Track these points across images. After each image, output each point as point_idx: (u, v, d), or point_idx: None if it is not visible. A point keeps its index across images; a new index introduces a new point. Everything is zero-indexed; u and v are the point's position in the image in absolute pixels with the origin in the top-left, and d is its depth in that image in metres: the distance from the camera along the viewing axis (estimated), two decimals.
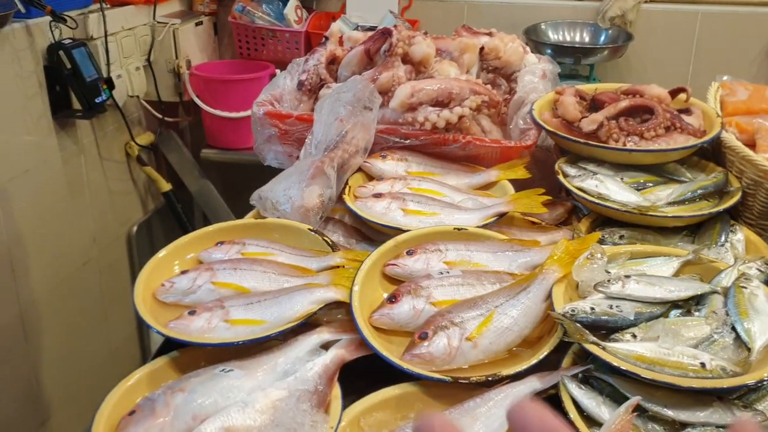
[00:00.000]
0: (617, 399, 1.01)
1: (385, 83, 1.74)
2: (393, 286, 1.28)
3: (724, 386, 0.96)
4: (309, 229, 1.41)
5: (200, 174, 3.16)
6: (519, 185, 1.58)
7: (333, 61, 1.95)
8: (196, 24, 3.15)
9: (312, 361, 1.09)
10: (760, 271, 1.24)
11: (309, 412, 1.00)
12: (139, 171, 2.98)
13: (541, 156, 1.78)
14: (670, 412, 0.98)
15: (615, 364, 1.00)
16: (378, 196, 1.48)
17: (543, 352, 1.10)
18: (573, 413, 1.00)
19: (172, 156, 3.12)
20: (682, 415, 0.97)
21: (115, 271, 2.86)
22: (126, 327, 2.93)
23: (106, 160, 2.76)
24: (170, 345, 1.16)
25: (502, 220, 1.48)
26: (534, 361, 1.09)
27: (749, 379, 0.96)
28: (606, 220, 1.45)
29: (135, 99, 2.88)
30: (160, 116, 3.00)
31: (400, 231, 1.38)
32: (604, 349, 1.03)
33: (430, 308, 1.19)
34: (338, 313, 1.23)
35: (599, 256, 1.21)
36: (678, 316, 1.12)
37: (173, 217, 3.07)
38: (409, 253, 1.31)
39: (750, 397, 1.00)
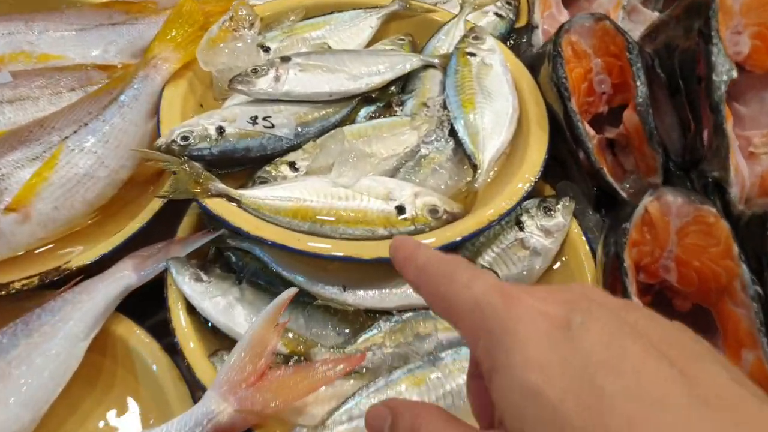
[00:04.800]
0: (272, 282, 0.59)
1: None
2: None
3: (436, 246, 0.55)
4: None
5: None
6: None
7: None
8: None
9: None
10: (500, 16, 0.81)
11: None
12: None
13: None
14: (348, 297, 0.58)
15: (252, 232, 0.55)
16: None
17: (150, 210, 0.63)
18: (183, 325, 0.56)
19: None
20: (369, 300, 0.58)
21: None
22: None
23: None
24: None
25: None
26: (134, 229, 0.62)
27: (476, 226, 0.57)
28: None
29: None
30: None
31: None
32: (239, 203, 0.57)
33: None
34: None
35: (246, 21, 0.70)
36: (370, 118, 0.68)
37: None
38: None
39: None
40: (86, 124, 0.64)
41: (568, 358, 0.24)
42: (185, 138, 0.60)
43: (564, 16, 0.81)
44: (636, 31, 0.74)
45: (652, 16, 0.80)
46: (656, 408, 0.23)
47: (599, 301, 0.27)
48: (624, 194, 0.65)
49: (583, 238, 0.62)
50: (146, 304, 0.60)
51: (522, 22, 0.82)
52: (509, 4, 0.81)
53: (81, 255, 0.60)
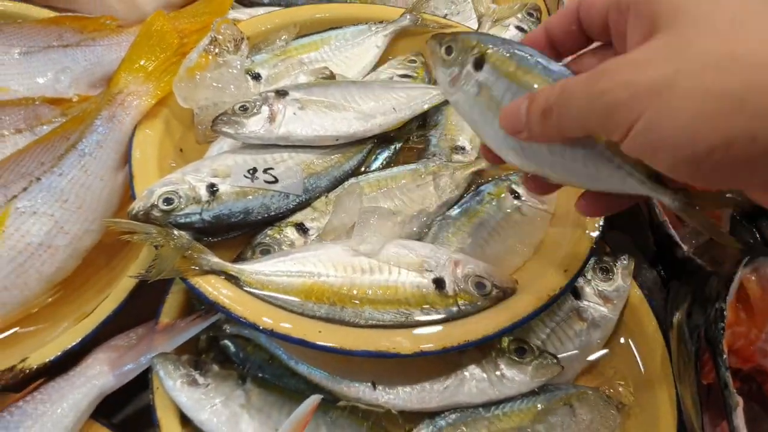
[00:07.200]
0: (282, 375, 0.49)
1: None
2: None
3: (488, 333, 0.45)
4: None
5: None
6: None
7: None
8: None
9: None
10: (521, 29, 0.70)
11: None
12: None
13: None
14: (380, 396, 0.47)
15: (261, 325, 0.44)
16: None
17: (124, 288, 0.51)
18: None
19: None
20: (406, 399, 0.47)
21: None
22: None
23: None
24: None
25: None
26: (105, 313, 0.50)
27: (535, 304, 0.47)
28: None
29: None
30: None
31: None
32: (237, 281, 0.46)
33: None
34: None
35: (231, 42, 0.58)
36: (387, 162, 0.57)
37: None
38: None
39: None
40: (38, 179, 0.51)
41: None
42: (169, 201, 0.48)
43: None
44: None
45: None
46: None
47: None
48: (685, 247, 0.55)
49: (648, 306, 0.53)
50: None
51: None
52: (531, 15, 0.71)
53: (41, 351, 0.48)
